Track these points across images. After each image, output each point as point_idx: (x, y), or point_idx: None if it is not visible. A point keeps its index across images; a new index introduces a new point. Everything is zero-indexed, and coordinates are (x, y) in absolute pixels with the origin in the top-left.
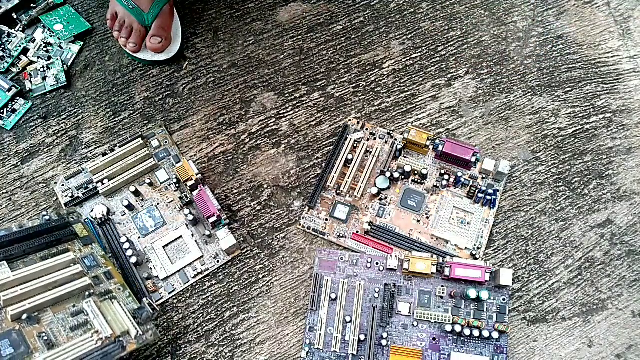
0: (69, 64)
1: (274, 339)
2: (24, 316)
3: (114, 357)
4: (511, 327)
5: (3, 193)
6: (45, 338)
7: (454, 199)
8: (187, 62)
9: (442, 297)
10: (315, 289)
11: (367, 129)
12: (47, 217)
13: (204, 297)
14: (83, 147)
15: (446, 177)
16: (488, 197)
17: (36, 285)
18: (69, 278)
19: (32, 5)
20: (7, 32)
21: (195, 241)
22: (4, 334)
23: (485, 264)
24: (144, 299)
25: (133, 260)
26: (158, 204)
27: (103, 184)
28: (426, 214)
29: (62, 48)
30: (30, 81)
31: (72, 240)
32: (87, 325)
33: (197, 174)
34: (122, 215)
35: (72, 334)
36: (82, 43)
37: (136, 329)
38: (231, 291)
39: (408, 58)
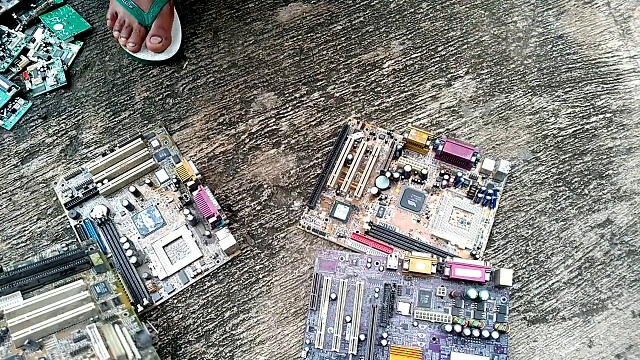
0: (69, 64)
1: (274, 339)
2: (26, 342)
3: None
4: (511, 327)
5: (3, 193)
6: None
7: (454, 199)
8: (187, 62)
9: (442, 297)
10: (315, 289)
11: (367, 129)
12: (66, 248)
13: (204, 297)
14: (83, 147)
15: (446, 177)
16: (488, 197)
17: (43, 311)
18: (76, 304)
19: (32, 5)
20: (7, 32)
21: (195, 241)
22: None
23: (485, 264)
24: (144, 323)
25: (133, 260)
26: (158, 204)
27: (103, 184)
28: (426, 214)
29: (62, 48)
30: (30, 81)
31: (87, 270)
32: (88, 350)
33: (197, 174)
34: (122, 216)
35: (72, 358)
36: (82, 43)
37: (134, 353)
38: (231, 291)
39: (408, 58)
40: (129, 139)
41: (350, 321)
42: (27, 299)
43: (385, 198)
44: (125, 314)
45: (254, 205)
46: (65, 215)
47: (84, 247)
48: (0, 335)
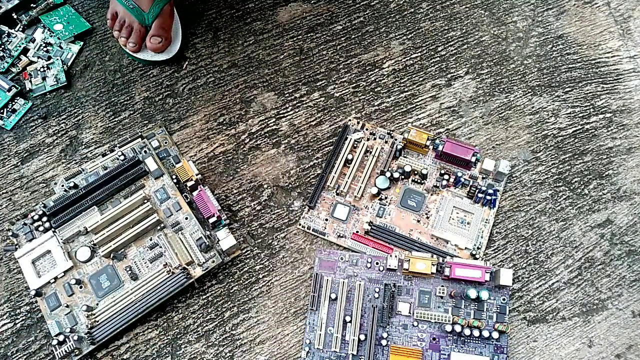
0: (69, 64)
1: (274, 339)
2: (112, 254)
3: (183, 284)
4: (511, 327)
5: (3, 193)
6: (130, 271)
7: (454, 199)
8: (187, 62)
9: (442, 297)
10: (315, 289)
11: (367, 129)
12: (123, 157)
13: (204, 297)
14: (83, 147)
15: (446, 177)
16: (488, 197)
17: (118, 225)
18: (143, 215)
19: (32, 5)
20: (7, 32)
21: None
22: (102, 270)
23: (485, 264)
24: (200, 231)
25: None
26: None
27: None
28: (426, 214)
29: (62, 48)
30: (30, 81)
31: (145, 176)
32: (162, 256)
33: (197, 174)
34: None
35: (150, 265)
36: (82, 43)
37: (198, 258)
38: (231, 291)
39: (408, 58)
40: (129, 139)
41: (350, 321)
42: (104, 213)
43: (385, 198)
44: (186, 218)
45: (254, 205)
46: None
47: (139, 151)
48: (92, 248)
